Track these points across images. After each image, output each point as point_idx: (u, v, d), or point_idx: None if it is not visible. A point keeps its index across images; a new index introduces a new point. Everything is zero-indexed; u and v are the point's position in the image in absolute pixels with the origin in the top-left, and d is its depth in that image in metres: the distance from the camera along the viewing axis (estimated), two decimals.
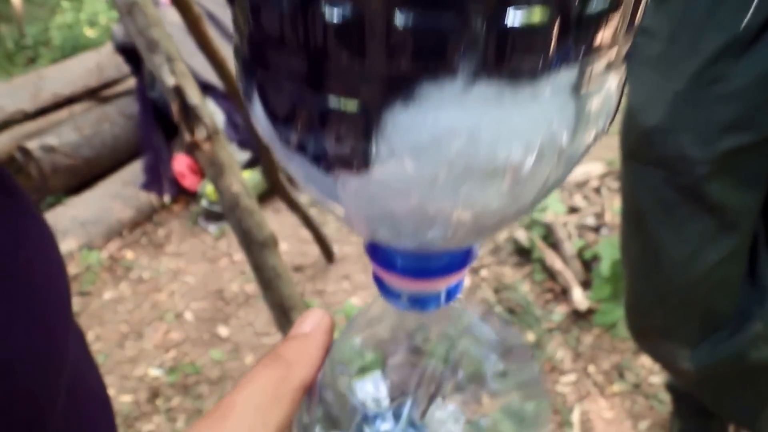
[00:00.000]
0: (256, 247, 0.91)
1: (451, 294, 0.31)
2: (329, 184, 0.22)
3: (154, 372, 1.91)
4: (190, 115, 0.87)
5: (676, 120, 0.95)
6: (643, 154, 1.00)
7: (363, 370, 0.34)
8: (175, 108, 0.88)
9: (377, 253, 0.29)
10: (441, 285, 0.30)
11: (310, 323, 0.32)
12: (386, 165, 0.20)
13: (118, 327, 2.07)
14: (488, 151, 0.20)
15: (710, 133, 0.93)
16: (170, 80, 0.89)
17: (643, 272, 1.08)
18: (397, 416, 0.33)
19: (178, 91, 0.90)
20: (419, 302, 0.31)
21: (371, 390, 0.33)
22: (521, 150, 0.20)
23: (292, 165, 0.23)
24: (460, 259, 0.29)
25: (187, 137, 0.89)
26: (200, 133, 0.87)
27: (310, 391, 0.31)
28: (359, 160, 0.20)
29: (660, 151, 0.97)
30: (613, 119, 0.23)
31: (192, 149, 0.91)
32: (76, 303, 2.16)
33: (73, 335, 0.53)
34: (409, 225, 0.24)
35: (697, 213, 0.97)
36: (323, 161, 0.21)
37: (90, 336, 2.05)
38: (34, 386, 0.40)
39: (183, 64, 0.92)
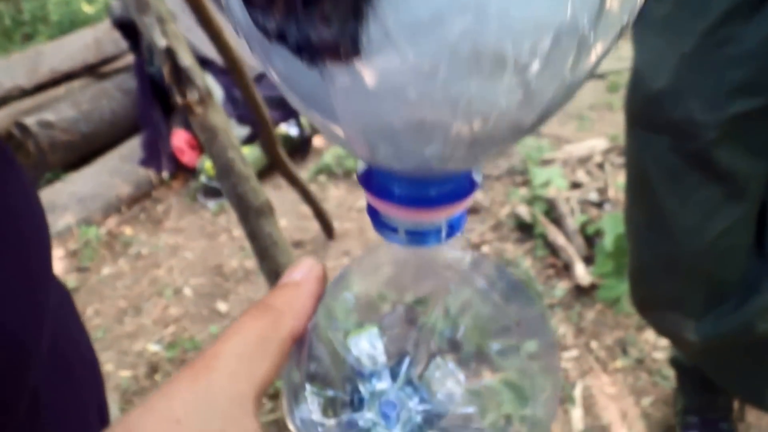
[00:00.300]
0: (252, 215, 0.89)
1: (452, 228, 0.29)
2: (316, 83, 0.20)
3: (153, 347, 1.90)
4: (182, 77, 0.85)
5: (683, 83, 0.92)
6: (649, 119, 0.97)
7: (358, 326, 0.32)
8: (166, 70, 0.86)
9: (372, 180, 0.27)
10: (441, 215, 0.27)
11: (301, 271, 0.31)
12: (379, 52, 0.17)
13: (117, 302, 2.06)
14: (497, 32, 0.17)
15: (718, 96, 0.90)
16: (161, 41, 0.87)
17: (647, 242, 1.05)
18: (394, 375, 0.31)
19: (170, 53, 0.87)
20: (418, 237, 0.28)
21: (367, 347, 0.31)
22: (535, 30, 0.17)
23: (274, 62, 0.20)
24: (461, 187, 0.27)
25: (178, 100, 0.86)
26: (192, 96, 0.85)
27: (300, 344, 0.29)
28: (348, 46, 0.17)
29: (667, 116, 0.94)
30: (632, 21, 0.20)
31: (185, 113, 0.89)
32: (75, 279, 2.14)
33: (55, 289, 0.51)
34: (406, 136, 0.21)
35: (703, 181, 0.95)
36: (307, 51, 0.18)
37: (89, 312, 2.03)
38: (15, 324, 0.39)
39: (175, 26, 0.89)
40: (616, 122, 2.47)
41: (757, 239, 1.01)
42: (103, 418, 0.60)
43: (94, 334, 1.94)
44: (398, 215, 0.27)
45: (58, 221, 2.28)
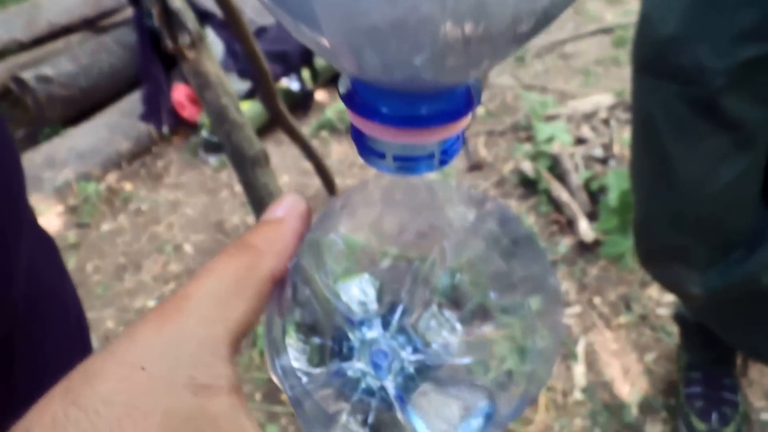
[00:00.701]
0: (247, 164, 0.86)
1: (446, 154, 0.26)
2: None
3: (154, 304, 1.89)
4: (173, 20, 0.81)
5: (692, 28, 0.89)
6: (657, 65, 0.94)
7: (348, 270, 0.30)
8: (156, 12, 0.82)
9: (356, 98, 0.24)
10: (434, 137, 0.25)
11: (283, 208, 0.29)
12: None
13: (117, 259, 2.05)
14: None
15: (728, 41, 0.87)
16: None
17: (653, 192, 1.03)
18: (386, 323, 0.29)
19: None
20: (407, 163, 0.26)
21: (357, 293, 0.29)
22: None
23: None
24: (456, 105, 0.24)
25: (169, 44, 0.83)
26: (183, 40, 0.81)
27: (281, 286, 0.27)
28: None
29: (675, 61, 0.91)
30: None
31: (176, 57, 0.85)
32: (74, 235, 2.13)
33: (34, 236, 0.49)
34: (391, 39, 0.19)
35: (711, 129, 0.92)
36: None
37: (88, 268, 2.02)
38: None
39: None
40: (623, 77, 2.42)
41: (764, 190, 0.99)
42: (85, 344, 0.59)
43: (93, 291, 1.94)
44: (385, 137, 0.25)
45: (57, 177, 2.26)
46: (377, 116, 0.24)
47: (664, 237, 1.06)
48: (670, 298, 1.63)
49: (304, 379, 0.28)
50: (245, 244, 0.27)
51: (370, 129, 0.25)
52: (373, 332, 0.29)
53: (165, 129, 2.50)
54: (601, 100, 2.27)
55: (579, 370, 1.54)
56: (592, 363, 1.55)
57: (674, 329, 1.55)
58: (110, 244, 2.10)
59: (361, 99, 0.24)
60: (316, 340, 0.29)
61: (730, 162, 0.93)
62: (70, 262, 2.03)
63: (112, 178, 2.34)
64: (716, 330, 1.20)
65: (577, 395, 1.49)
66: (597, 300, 1.68)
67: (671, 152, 0.96)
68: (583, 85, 2.47)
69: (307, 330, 0.29)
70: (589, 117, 2.22)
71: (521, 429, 1.44)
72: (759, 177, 0.96)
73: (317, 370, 0.28)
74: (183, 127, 2.55)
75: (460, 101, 0.24)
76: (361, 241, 0.30)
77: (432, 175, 0.28)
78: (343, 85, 0.25)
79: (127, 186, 2.31)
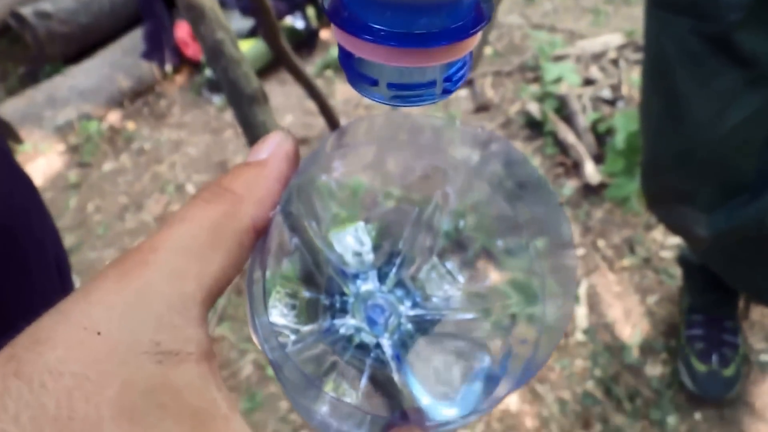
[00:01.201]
0: (245, 102, 0.84)
1: (451, 81, 0.23)
2: None
3: None
4: None
5: None
6: (672, 0, 0.91)
7: (341, 217, 0.28)
8: None
9: (344, 13, 0.21)
10: (436, 60, 0.21)
11: (268, 148, 0.25)
12: None
13: (118, 199, 2.04)
14: None
15: None
16: None
17: (663, 131, 1.01)
18: (382, 276, 0.27)
19: None
20: (406, 91, 0.22)
21: (352, 243, 0.27)
22: None
23: None
24: (462, 19, 0.21)
25: None
26: None
27: (264, 236, 0.24)
28: None
29: None
30: None
31: None
32: (76, 174, 2.12)
33: (3, 176, 0.48)
34: None
35: (724, 65, 0.89)
36: None
37: (90, 207, 2.02)
38: None
39: None
40: (633, 17, 2.37)
41: None
42: (64, 278, 0.59)
43: (94, 231, 1.94)
44: (378, 59, 0.21)
45: (58, 115, 2.24)
46: (368, 33, 0.21)
47: (672, 178, 1.04)
48: (674, 240, 1.63)
49: (292, 337, 0.25)
50: (222, 188, 0.24)
51: (360, 49, 0.21)
52: (369, 285, 0.27)
53: (168, 67, 2.46)
54: (610, 40, 2.22)
55: (581, 312, 1.55)
56: (594, 305, 1.55)
57: (677, 272, 1.55)
58: (112, 183, 2.09)
59: (350, 13, 0.21)
60: (306, 295, 0.27)
61: (742, 101, 0.91)
62: (71, 202, 2.03)
63: (114, 117, 2.32)
64: (720, 272, 1.20)
65: (579, 336, 1.50)
66: (601, 243, 1.67)
67: (682, 90, 0.93)
68: (593, 25, 2.42)
69: (296, 284, 0.27)
70: (598, 57, 2.18)
71: None
72: (766, 119, 0.94)
73: (306, 328, 0.26)
74: (186, 65, 2.51)
75: (467, 16, 0.21)
76: (358, 184, 0.28)
77: (436, 114, 0.25)
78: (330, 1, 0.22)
79: (130, 125, 2.29)
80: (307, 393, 0.23)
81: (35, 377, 0.18)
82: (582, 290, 1.59)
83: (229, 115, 2.30)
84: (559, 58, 2.18)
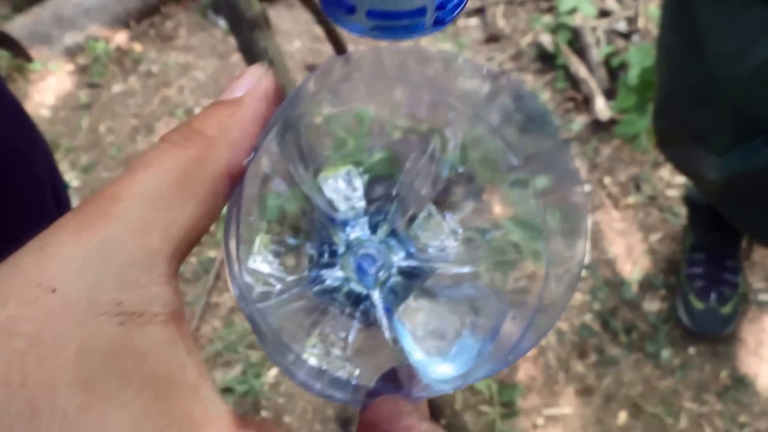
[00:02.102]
0: (245, 27, 0.82)
1: (444, 10, 0.21)
2: None
3: None
4: None
5: None
6: None
7: (332, 162, 0.26)
8: None
9: None
10: None
11: (244, 85, 0.23)
12: None
13: (129, 121, 2.04)
14: None
15: None
16: None
17: (680, 67, 0.99)
18: (374, 224, 0.26)
19: None
20: (390, 21, 0.21)
21: (343, 187, 0.25)
22: None
23: None
24: None
25: None
26: None
27: (242, 184, 0.22)
28: None
29: None
30: None
31: None
32: (86, 95, 2.12)
33: None
34: None
35: (753, 2, 0.87)
36: None
37: (102, 128, 2.02)
38: None
39: None
40: None
41: None
42: (60, 203, 0.58)
43: (107, 152, 1.94)
44: None
45: (65, 35, 2.22)
46: None
47: (687, 116, 1.02)
48: (680, 179, 1.62)
49: (277, 286, 0.24)
50: (192, 130, 0.21)
51: None
52: (360, 233, 0.25)
53: None
54: None
55: None
56: (596, 241, 1.56)
57: (682, 210, 1.55)
58: (122, 105, 2.09)
59: None
60: (292, 242, 0.25)
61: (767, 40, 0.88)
62: (83, 122, 2.03)
63: (121, 38, 2.29)
64: (725, 213, 1.20)
65: None
66: (607, 180, 1.67)
67: (706, 24, 0.91)
68: None
69: (281, 231, 0.25)
70: None
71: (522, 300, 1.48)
72: None
73: (291, 277, 0.25)
74: None
75: None
76: (350, 123, 0.26)
77: (444, 46, 0.24)
78: None
79: (137, 47, 2.26)
80: (286, 354, 0.22)
81: None
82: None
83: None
84: None
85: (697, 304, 1.36)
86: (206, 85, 2.12)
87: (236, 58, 2.19)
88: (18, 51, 2.15)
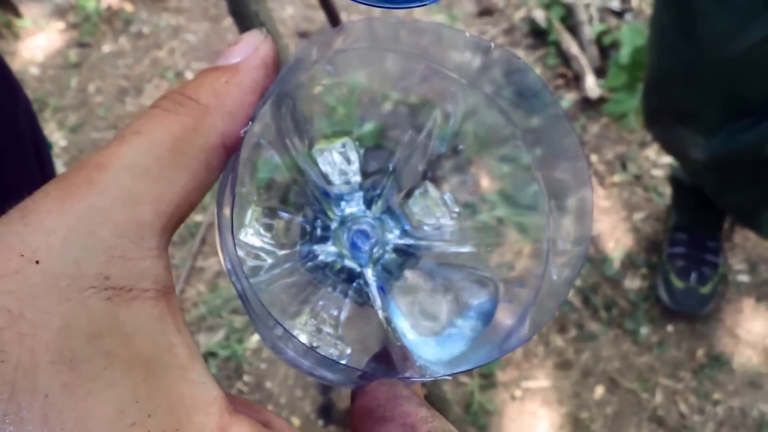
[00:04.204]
0: None
1: None
2: None
3: None
4: None
5: None
6: None
7: (328, 134, 0.26)
8: None
9: None
10: None
11: (241, 51, 0.21)
12: None
13: (118, 81, 2.03)
14: None
15: None
16: None
17: (672, 47, 0.99)
18: (369, 199, 0.25)
19: None
20: None
21: (338, 160, 0.25)
22: None
23: None
24: None
25: None
26: None
27: (236, 154, 0.21)
28: None
29: None
30: None
31: None
32: (76, 54, 2.09)
33: None
34: None
35: None
36: None
37: (90, 88, 2.01)
38: None
39: None
40: None
41: None
42: (43, 161, 0.56)
43: (95, 112, 1.93)
44: None
45: None
46: None
47: (676, 95, 1.03)
48: (666, 159, 1.64)
49: (268, 260, 0.23)
50: (186, 97, 0.20)
51: None
52: (354, 208, 0.25)
53: None
54: None
55: None
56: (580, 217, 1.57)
57: (666, 190, 1.56)
58: (111, 65, 2.07)
59: None
60: (285, 216, 0.25)
61: (761, 20, 0.89)
62: (72, 82, 2.01)
63: None
64: (710, 193, 1.22)
65: None
66: (594, 157, 1.68)
67: (699, 5, 0.91)
68: None
69: (274, 203, 0.25)
70: None
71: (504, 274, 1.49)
72: None
73: (283, 251, 0.24)
74: None
75: None
76: (354, 85, 0.26)
77: (437, 18, 0.23)
78: None
79: (128, 7, 2.24)
80: (276, 331, 0.21)
81: None
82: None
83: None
84: None
85: (678, 283, 1.38)
86: (197, 48, 2.10)
87: (228, 22, 2.17)
88: (7, 6, 2.12)
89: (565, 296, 0.22)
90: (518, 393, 1.36)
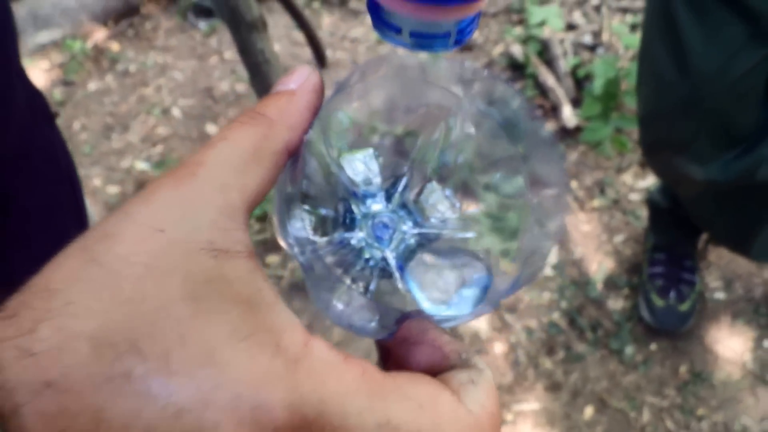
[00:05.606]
0: (244, 29, 0.87)
1: (462, 34, 0.27)
2: None
3: (141, 165, 1.92)
4: None
5: None
6: None
7: (354, 146, 0.32)
8: None
9: None
10: (452, 16, 0.26)
11: (297, 80, 0.28)
12: None
13: (104, 119, 2.06)
14: None
15: None
16: None
17: (668, 80, 1.05)
18: (388, 197, 0.31)
19: None
20: (424, 40, 0.27)
21: (361, 167, 0.31)
22: None
23: None
24: None
25: None
26: None
27: (294, 158, 0.27)
28: None
29: None
30: None
31: None
32: (60, 92, 2.13)
33: (26, 90, 0.49)
34: None
35: (731, 17, 0.94)
36: None
37: (75, 126, 2.04)
38: None
39: None
40: None
41: (766, 86, 1.02)
42: (83, 223, 0.60)
43: (81, 149, 1.96)
44: (404, 12, 0.26)
45: (41, 33, 2.23)
46: None
47: (672, 128, 1.09)
48: (643, 184, 1.70)
49: (310, 247, 0.29)
50: (259, 113, 0.26)
51: (390, 2, 0.26)
52: (377, 205, 0.31)
53: None
54: None
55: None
56: (564, 242, 1.63)
57: (643, 214, 1.62)
58: (97, 103, 2.10)
59: None
60: (323, 211, 0.31)
61: (746, 53, 0.95)
62: (57, 120, 2.04)
63: (98, 36, 2.31)
64: (700, 220, 1.27)
65: (548, 271, 1.58)
66: (574, 184, 1.74)
67: (690, 40, 0.98)
68: None
69: (315, 201, 0.30)
70: (581, 3, 2.20)
71: None
72: (765, 74, 0.99)
73: (324, 239, 0.30)
74: None
75: None
76: (367, 119, 0.32)
77: (423, 55, 0.30)
78: None
79: (114, 46, 2.28)
80: (330, 287, 0.27)
81: (109, 264, 0.20)
82: None
83: (214, 42, 2.30)
84: (544, 2, 2.21)
85: (658, 302, 1.43)
86: (184, 85, 2.15)
87: (215, 60, 2.22)
88: None
89: (550, 251, 0.28)
90: (510, 416, 1.39)
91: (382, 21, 0.27)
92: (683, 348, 1.45)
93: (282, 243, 0.28)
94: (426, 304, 0.30)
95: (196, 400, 0.19)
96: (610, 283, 1.55)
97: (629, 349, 1.45)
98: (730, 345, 1.45)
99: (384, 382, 0.23)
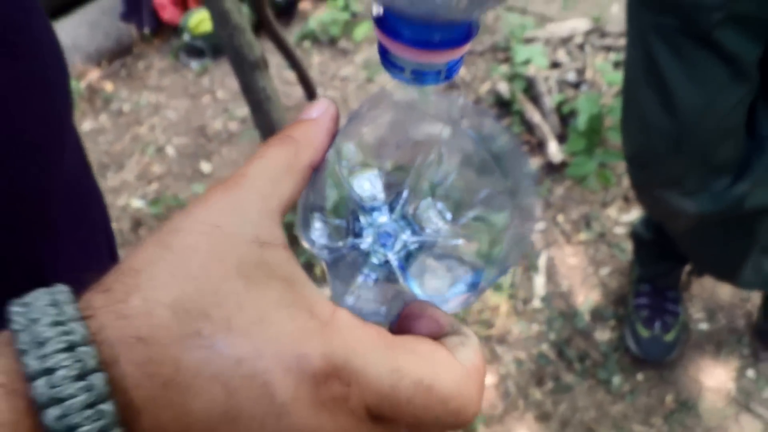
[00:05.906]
0: (247, 67, 0.91)
1: (450, 71, 0.33)
2: None
3: (137, 203, 1.95)
4: None
5: None
6: (658, 2, 1.00)
7: (361, 167, 0.37)
8: None
9: (386, 23, 0.31)
10: (442, 58, 0.32)
11: (318, 110, 0.34)
12: None
13: (99, 158, 2.09)
14: None
15: None
16: None
17: (656, 122, 1.09)
18: (391, 210, 0.37)
19: None
20: (421, 76, 0.33)
21: (368, 186, 0.36)
22: None
23: None
24: (461, 34, 0.31)
25: None
26: None
27: (316, 174, 0.33)
28: None
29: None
30: None
31: None
32: None
33: (71, 161, 0.51)
34: None
35: (711, 61, 0.99)
36: None
37: None
38: (32, 158, 0.40)
39: None
40: (600, 3, 2.46)
41: (748, 120, 1.07)
42: (113, 253, 0.63)
43: None
44: (406, 56, 0.32)
45: None
46: (402, 38, 0.31)
47: (663, 165, 1.13)
48: (627, 218, 1.75)
49: (327, 249, 0.35)
50: (287, 136, 0.32)
51: (395, 48, 0.32)
52: (382, 217, 0.36)
53: (146, 30, 2.49)
54: (578, 25, 2.32)
55: (539, 281, 1.66)
56: (551, 275, 1.67)
57: (628, 247, 1.66)
58: (92, 142, 2.14)
59: (390, 24, 0.31)
60: (336, 221, 0.36)
61: (730, 91, 1.00)
62: None
63: (92, 76, 2.35)
64: (689, 252, 1.30)
65: (536, 303, 1.61)
66: (560, 218, 1.79)
67: (674, 83, 1.03)
68: (563, 9, 2.51)
69: (329, 212, 0.36)
70: (565, 41, 2.27)
71: (483, 332, 1.57)
72: (747, 108, 1.04)
73: (338, 244, 0.36)
74: (164, 29, 2.54)
75: (464, 32, 0.32)
76: (375, 141, 0.37)
77: (414, 94, 0.35)
78: (376, 12, 0.32)
79: (108, 86, 2.33)
80: (347, 282, 0.34)
81: (181, 251, 0.26)
82: (541, 261, 1.70)
83: (207, 81, 2.35)
84: (529, 41, 2.28)
85: (643, 332, 1.47)
86: (178, 124, 2.19)
87: (207, 99, 2.27)
88: None
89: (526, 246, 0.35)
90: None
91: (389, 62, 0.33)
92: (669, 377, 1.48)
93: (305, 244, 0.35)
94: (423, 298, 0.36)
95: (252, 351, 0.25)
96: (597, 315, 1.59)
97: (616, 379, 1.48)
98: (714, 374, 1.48)
99: (394, 340, 0.28)
